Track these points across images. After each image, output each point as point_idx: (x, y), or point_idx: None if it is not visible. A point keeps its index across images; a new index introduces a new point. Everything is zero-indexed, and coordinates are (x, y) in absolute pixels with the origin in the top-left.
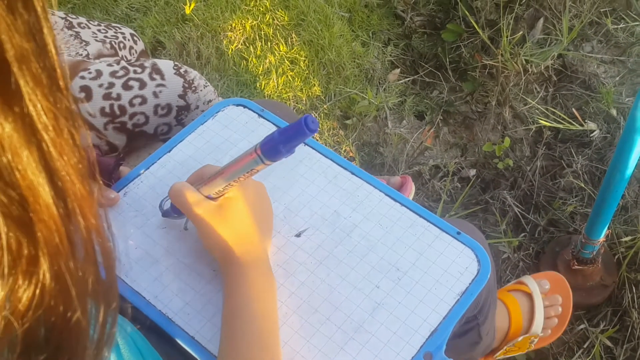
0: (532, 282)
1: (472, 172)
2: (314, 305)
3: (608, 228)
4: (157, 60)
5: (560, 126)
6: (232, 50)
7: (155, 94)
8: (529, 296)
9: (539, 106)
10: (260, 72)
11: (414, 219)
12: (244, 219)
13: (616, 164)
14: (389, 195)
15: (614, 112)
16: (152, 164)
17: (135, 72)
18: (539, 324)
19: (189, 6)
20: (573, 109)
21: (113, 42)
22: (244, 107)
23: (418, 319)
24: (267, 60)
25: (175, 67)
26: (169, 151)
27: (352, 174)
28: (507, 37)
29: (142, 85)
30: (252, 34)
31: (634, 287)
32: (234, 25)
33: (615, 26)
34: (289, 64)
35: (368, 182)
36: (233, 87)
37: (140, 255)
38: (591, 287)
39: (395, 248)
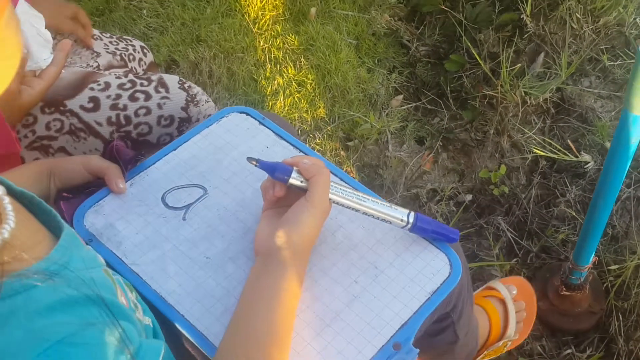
0: (502, 288)
1: (469, 197)
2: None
3: (596, 255)
4: (163, 75)
5: (555, 157)
6: (242, 71)
7: (159, 106)
8: (502, 302)
9: (535, 137)
10: (268, 92)
11: None
12: (324, 213)
13: (600, 191)
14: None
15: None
16: (159, 159)
17: (142, 84)
18: (513, 328)
19: (204, 28)
20: (568, 141)
21: (123, 55)
22: (247, 114)
23: (390, 312)
24: (276, 82)
25: (180, 82)
26: (175, 149)
27: (341, 179)
28: (506, 68)
29: (148, 97)
30: (262, 57)
31: (620, 315)
32: (245, 47)
33: (612, 63)
34: (296, 86)
35: (356, 188)
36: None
37: (140, 240)
38: (579, 313)
39: (375, 248)
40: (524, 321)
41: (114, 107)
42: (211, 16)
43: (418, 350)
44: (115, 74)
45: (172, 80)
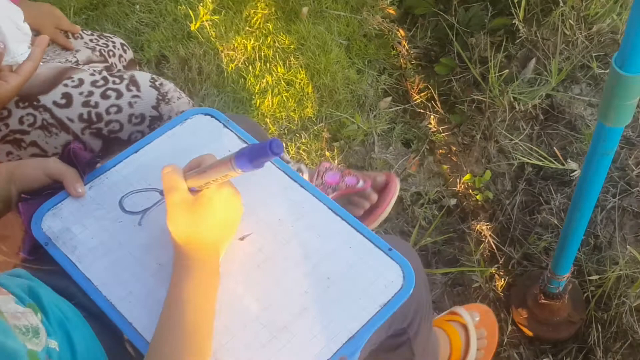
0: (465, 314)
1: (453, 201)
2: (245, 304)
3: (578, 265)
4: (135, 73)
5: (541, 164)
6: (232, 68)
7: (130, 104)
8: (465, 327)
9: (521, 144)
10: (257, 91)
11: (351, 233)
12: (208, 219)
13: (577, 202)
14: (332, 210)
15: None
16: (119, 162)
17: (114, 82)
18: (473, 354)
19: (195, 24)
20: (555, 148)
21: (103, 50)
22: (211, 116)
23: (339, 325)
24: (265, 80)
25: (151, 80)
26: (136, 152)
27: (302, 187)
28: (494, 74)
29: (119, 95)
30: (252, 55)
31: (600, 326)
32: (236, 45)
33: (603, 70)
34: (285, 85)
35: (315, 196)
36: (230, 104)
37: (95, 245)
38: (558, 322)
39: (329, 258)
40: (485, 349)
41: (85, 104)
42: (203, 12)
43: None
44: (90, 71)
45: (143, 78)
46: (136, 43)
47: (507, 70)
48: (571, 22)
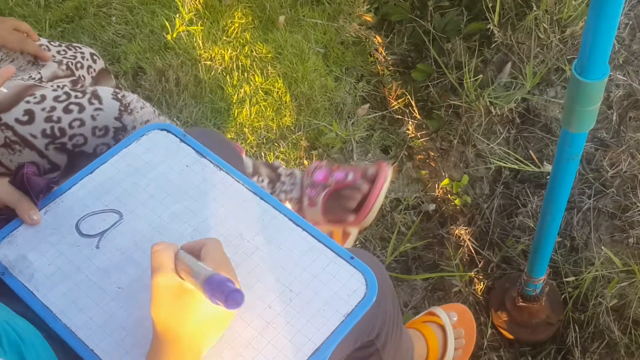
0: (443, 314)
1: (432, 206)
2: None
3: (555, 266)
4: (98, 87)
5: (516, 167)
6: (209, 78)
7: (93, 117)
8: (442, 328)
9: (497, 148)
10: (235, 100)
11: (313, 243)
12: (192, 314)
13: (547, 207)
14: (292, 220)
15: None
16: (74, 184)
17: (76, 97)
18: (451, 354)
19: (172, 35)
20: (531, 151)
21: (70, 63)
22: (168, 131)
23: (303, 337)
24: (243, 90)
25: (113, 93)
26: (91, 172)
27: (262, 199)
28: (469, 79)
29: (81, 109)
30: (230, 64)
31: (577, 327)
32: (213, 55)
33: None
34: (262, 94)
35: (275, 207)
36: (208, 114)
37: (52, 272)
38: (537, 324)
39: (291, 270)
40: (463, 349)
41: (48, 119)
42: (179, 23)
43: None
44: (53, 87)
45: (106, 92)
46: (113, 55)
47: (482, 75)
48: (545, 25)
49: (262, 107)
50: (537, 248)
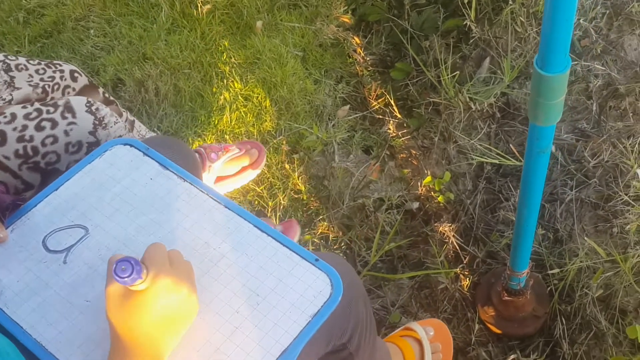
0: (419, 329)
1: (416, 204)
2: None
3: (540, 259)
4: (71, 98)
5: (496, 162)
6: (189, 87)
7: (66, 133)
8: (419, 342)
9: (478, 144)
10: (215, 108)
11: (278, 247)
12: (141, 317)
13: (522, 200)
14: (257, 227)
15: (553, 148)
16: (40, 201)
17: (48, 112)
18: None
19: (150, 45)
20: (511, 145)
21: (47, 86)
22: (131, 146)
23: (271, 340)
24: (222, 97)
25: (87, 105)
26: (56, 189)
27: (226, 207)
28: (447, 75)
29: (54, 125)
30: (209, 72)
31: (564, 319)
32: (192, 63)
33: None
34: (242, 100)
35: (240, 214)
36: (188, 122)
37: (21, 288)
38: (523, 317)
39: (257, 275)
40: None
41: (20, 139)
42: (157, 33)
43: None
44: (22, 104)
45: (79, 103)
46: (92, 68)
47: (460, 72)
48: (522, 19)
49: (242, 113)
50: (517, 242)
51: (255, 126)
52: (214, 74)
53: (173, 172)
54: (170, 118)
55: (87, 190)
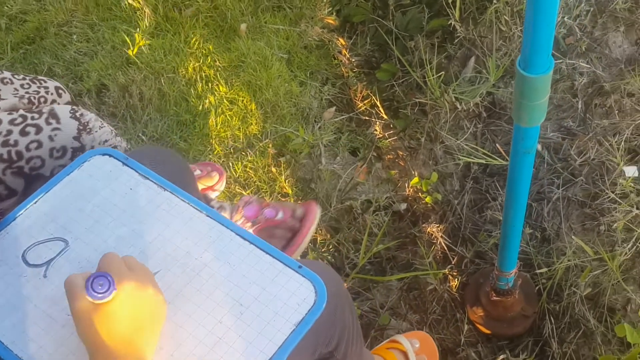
0: (405, 341)
1: (403, 205)
2: (160, 344)
3: (528, 258)
4: (55, 106)
5: (483, 161)
6: (173, 91)
7: (50, 138)
8: (404, 354)
9: (464, 144)
10: (200, 111)
11: (260, 255)
12: (112, 329)
13: (508, 201)
14: (240, 235)
15: (539, 147)
16: (18, 214)
17: (32, 118)
18: None
19: (133, 50)
20: (497, 145)
21: (33, 97)
22: (110, 156)
23: (255, 349)
24: (207, 101)
25: (71, 111)
26: (35, 202)
27: (207, 216)
28: (432, 76)
29: (39, 130)
30: (194, 76)
31: (553, 318)
32: (176, 67)
33: None
34: (228, 103)
35: (221, 223)
36: (173, 127)
37: (1, 304)
38: (512, 317)
39: (240, 284)
40: None
41: (5, 143)
42: (140, 38)
43: None
44: (7, 112)
45: (63, 110)
46: (75, 74)
47: (446, 72)
48: (506, 17)
49: (227, 116)
50: (504, 242)
51: (241, 129)
52: (198, 77)
53: (153, 182)
54: (155, 123)
55: (66, 202)
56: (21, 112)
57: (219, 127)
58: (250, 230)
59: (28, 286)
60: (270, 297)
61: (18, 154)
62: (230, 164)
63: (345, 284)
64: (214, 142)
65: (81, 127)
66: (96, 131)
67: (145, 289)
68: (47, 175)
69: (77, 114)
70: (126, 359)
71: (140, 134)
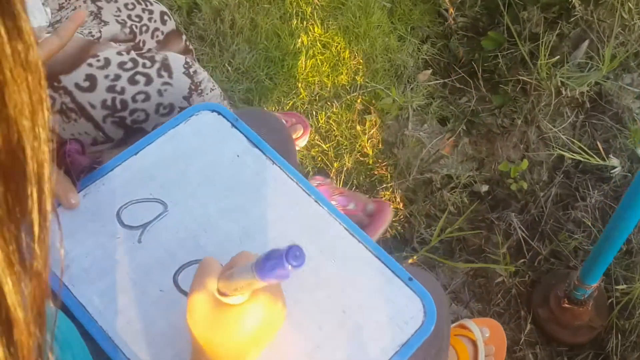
0: (475, 329)
1: (485, 187)
2: None
3: (605, 273)
4: (169, 54)
5: (580, 158)
6: (266, 23)
7: (160, 92)
8: (474, 343)
9: (561, 135)
10: (290, 50)
11: (369, 258)
12: (229, 334)
13: (624, 209)
14: (349, 231)
15: (639, 151)
16: (117, 165)
17: (144, 65)
18: None
19: None
20: (597, 142)
21: (134, 26)
22: (218, 113)
23: None
24: (300, 40)
25: (185, 66)
26: (136, 154)
27: (316, 201)
28: (545, 55)
29: (149, 81)
30: (290, 10)
31: (619, 334)
32: None
33: None
34: (320, 47)
35: (331, 212)
36: (261, 63)
37: (90, 265)
38: (579, 326)
39: (344, 287)
40: None
41: (111, 89)
42: None
43: None
44: (116, 50)
45: (177, 62)
46: None
47: (557, 52)
48: (630, 5)
49: (318, 61)
50: (597, 254)
51: (330, 77)
52: (294, 13)
53: (262, 152)
54: (242, 54)
55: (168, 160)
56: (132, 54)
57: (307, 70)
58: None
59: (120, 250)
60: (376, 309)
61: (123, 103)
62: (314, 112)
63: (411, 260)
64: (300, 85)
65: (193, 87)
66: (207, 93)
67: (277, 303)
68: (148, 130)
69: (191, 71)
70: None
71: (226, 64)
